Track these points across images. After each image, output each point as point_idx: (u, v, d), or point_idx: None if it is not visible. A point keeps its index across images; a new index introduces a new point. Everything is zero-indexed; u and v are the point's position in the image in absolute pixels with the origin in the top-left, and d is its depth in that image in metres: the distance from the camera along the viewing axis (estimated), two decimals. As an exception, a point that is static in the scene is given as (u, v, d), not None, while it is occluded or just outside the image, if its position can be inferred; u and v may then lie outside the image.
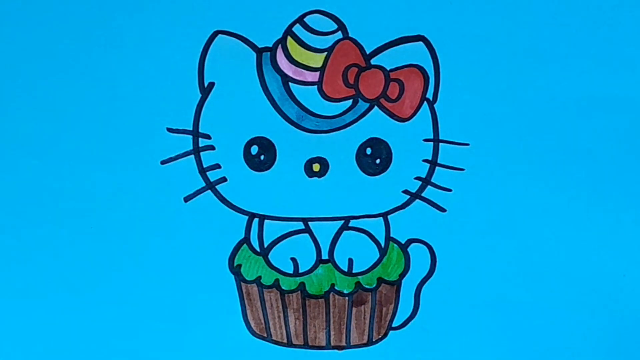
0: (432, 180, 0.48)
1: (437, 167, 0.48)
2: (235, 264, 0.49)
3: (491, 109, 0.48)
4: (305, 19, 0.46)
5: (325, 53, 0.47)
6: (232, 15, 0.47)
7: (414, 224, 0.49)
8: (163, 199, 0.48)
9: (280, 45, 0.47)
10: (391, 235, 0.49)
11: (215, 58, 0.47)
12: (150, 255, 0.48)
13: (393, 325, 0.50)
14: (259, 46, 0.47)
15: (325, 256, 0.49)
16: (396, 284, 0.49)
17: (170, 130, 0.47)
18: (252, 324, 0.49)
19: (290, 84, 0.47)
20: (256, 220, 0.48)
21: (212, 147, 0.48)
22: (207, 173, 0.48)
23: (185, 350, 0.49)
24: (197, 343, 0.49)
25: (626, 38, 0.48)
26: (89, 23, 0.46)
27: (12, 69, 0.47)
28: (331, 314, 0.49)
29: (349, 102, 0.47)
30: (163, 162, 0.48)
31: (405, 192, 0.48)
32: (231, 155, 0.48)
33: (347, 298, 0.49)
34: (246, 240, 0.48)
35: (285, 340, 0.49)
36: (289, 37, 0.47)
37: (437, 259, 0.49)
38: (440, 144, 0.48)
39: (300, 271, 0.49)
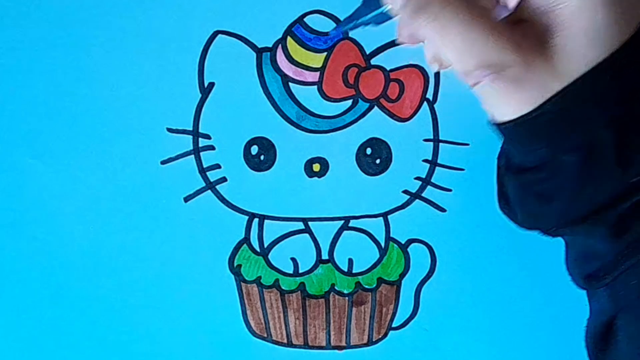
0: (432, 180, 0.48)
1: (437, 167, 0.48)
2: (235, 264, 0.49)
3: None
4: (305, 19, 0.46)
5: (325, 53, 0.47)
6: (232, 15, 0.47)
7: (414, 224, 0.49)
8: (163, 199, 0.48)
9: (280, 45, 0.47)
10: (391, 235, 0.49)
11: (215, 58, 0.47)
12: (150, 255, 0.48)
13: (393, 325, 0.50)
14: (259, 46, 0.47)
15: (325, 256, 0.49)
16: (396, 284, 0.49)
17: (170, 130, 0.47)
18: (252, 324, 0.49)
19: (290, 84, 0.47)
20: (256, 220, 0.48)
21: (212, 147, 0.48)
22: (207, 173, 0.48)
23: (186, 350, 0.49)
24: (197, 343, 0.49)
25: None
26: (88, 23, 0.46)
27: (12, 69, 0.47)
28: (331, 314, 0.49)
29: (349, 102, 0.47)
30: (163, 162, 0.48)
31: (405, 192, 0.48)
32: (231, 155, 0.48)
33: (347, 298, 0.49)
34: (246, 240, 0.48)
35: (285, 340, 0.49)
36: (289, 37, 0.47)
37: (437, 259, 0.49)
38: (440, 144, 0.48)
39: (300, 271, 0.49)
